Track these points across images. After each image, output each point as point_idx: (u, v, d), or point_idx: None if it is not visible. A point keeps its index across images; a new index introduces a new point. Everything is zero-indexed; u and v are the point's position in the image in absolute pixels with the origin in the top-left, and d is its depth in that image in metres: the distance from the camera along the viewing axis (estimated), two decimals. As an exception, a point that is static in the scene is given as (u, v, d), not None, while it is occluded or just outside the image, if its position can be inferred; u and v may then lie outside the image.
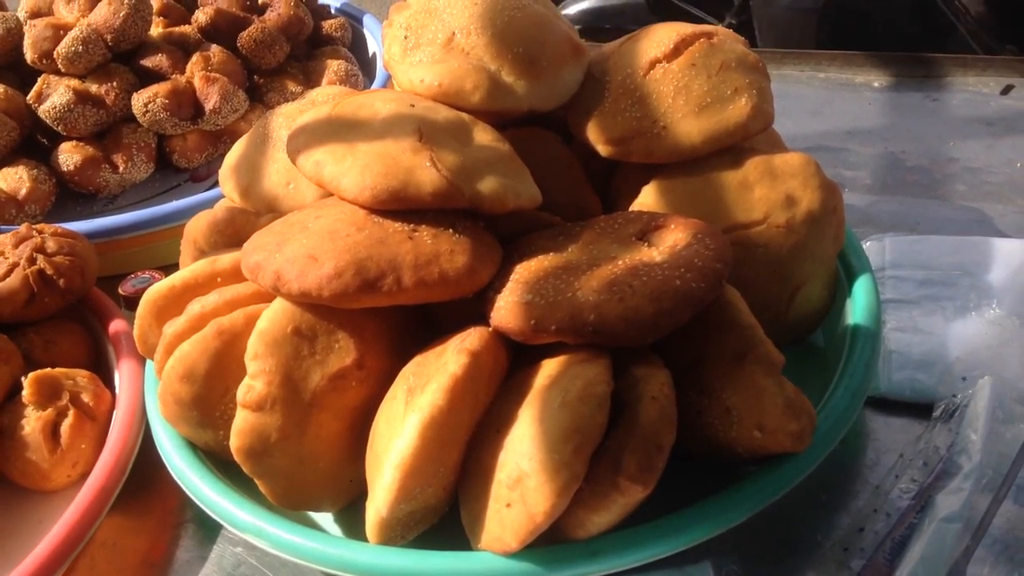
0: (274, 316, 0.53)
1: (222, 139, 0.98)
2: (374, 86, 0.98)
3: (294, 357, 0.53)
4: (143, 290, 0.76)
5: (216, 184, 0.96)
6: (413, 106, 0.61)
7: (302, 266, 0.52)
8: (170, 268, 0.83)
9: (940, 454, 0.57)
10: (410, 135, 0.57)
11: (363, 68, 1.08)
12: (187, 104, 0.94)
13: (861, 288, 0.64)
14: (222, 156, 0.99)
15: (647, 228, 0.58)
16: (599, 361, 0.50)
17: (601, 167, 0.69)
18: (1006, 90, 0.94)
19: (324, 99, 0.68)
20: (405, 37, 0.65)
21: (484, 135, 0.61)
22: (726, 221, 0.63)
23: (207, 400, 0.55)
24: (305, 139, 0.59)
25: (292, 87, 1.00)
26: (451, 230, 0.55)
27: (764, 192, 0.63)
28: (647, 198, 0.65)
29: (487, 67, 0.63)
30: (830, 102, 0.96)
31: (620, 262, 0.54)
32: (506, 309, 0.53)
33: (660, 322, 0.50)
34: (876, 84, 0.98)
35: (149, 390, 0.63)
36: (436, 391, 0.49)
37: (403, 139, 0.57)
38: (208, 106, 0.94)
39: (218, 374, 0.55)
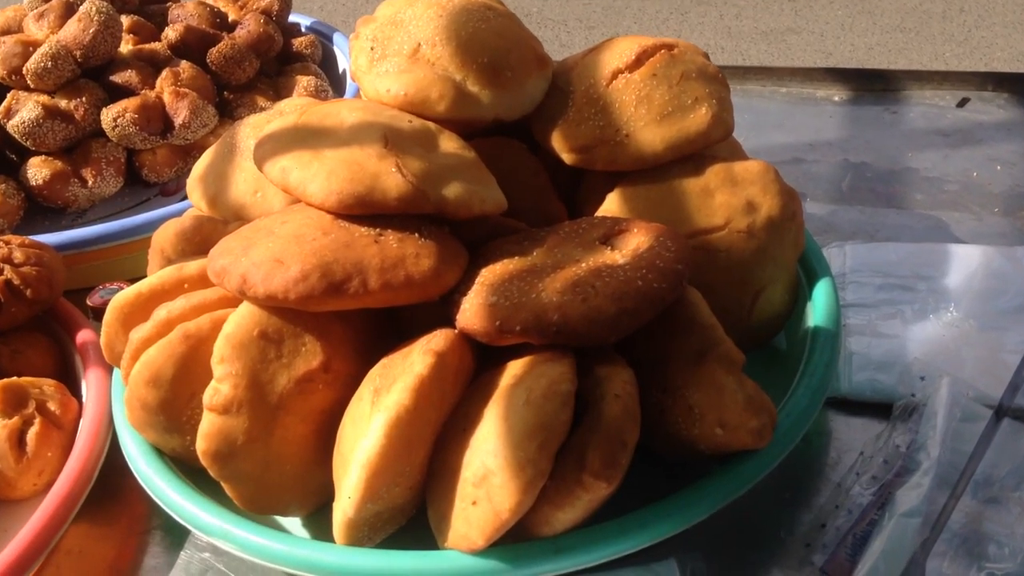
0: (240, 320, 0.54)
1: (192, 154, 0.98)
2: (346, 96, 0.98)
3: (260, 360, 0.53)
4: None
5: (185, 197, 0.96)
6: (379, 114, 0.61)
7: (268, 269, 0.52)
8: (139, 280, 0.83)
9: (900, 452, 0.58)
10: (376, 142, 0.58)
11: (333, 85, 1.08)
12: (156, 119, 0.94)
13: (821, 292, 0.65)
14: (191, 170, 0.99)
15: (610, 232, 0.58)
16: (563, 360, 0.51)
17: (567, 175, 0.70)
18: (962, 103, 0.97)
19: (291, 109, 0.68)
20: (372, 48, 0.66)
21: (450, 143, 0.62)
22: (688, 227, 0.64)
23: (173, 405, 0.55)
24: (271, 146, 0.59)
25: (262, 102, 1.00)
26: (416, 234, 0.56)
27: (725, 198, 0.64)
28: (611, 205, 0.66)
29: (452, 77, 0.64)
30: (792, 116, 0.98)
31: (584, 264, 0.55)
32: (471, 311, 0.53)
33: (622, 322, 0.51)
34: (836, 98, 1.00)
35: (116, 398, 0.62)
36: (402, 391, 0.49)
37: (369, 146, 0.57)
38: (178, 121, 0.94)
39: (184, 379, 0.55)
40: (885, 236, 0.80)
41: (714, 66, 0.70)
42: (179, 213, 0.82)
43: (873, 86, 1.00)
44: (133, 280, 0.82)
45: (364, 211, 0.55)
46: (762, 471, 0.53)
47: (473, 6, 0.67)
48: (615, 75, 0.67)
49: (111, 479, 0.62)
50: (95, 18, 0.94)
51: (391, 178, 0.55)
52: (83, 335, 0.70)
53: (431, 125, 0.63)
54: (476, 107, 0.64)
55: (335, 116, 0.61)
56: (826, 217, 0.82)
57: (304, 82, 1.02)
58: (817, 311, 0.64)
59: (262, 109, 0.99)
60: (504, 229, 0.62)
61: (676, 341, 0.54)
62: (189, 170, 0.98)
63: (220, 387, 0.52)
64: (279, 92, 1.03)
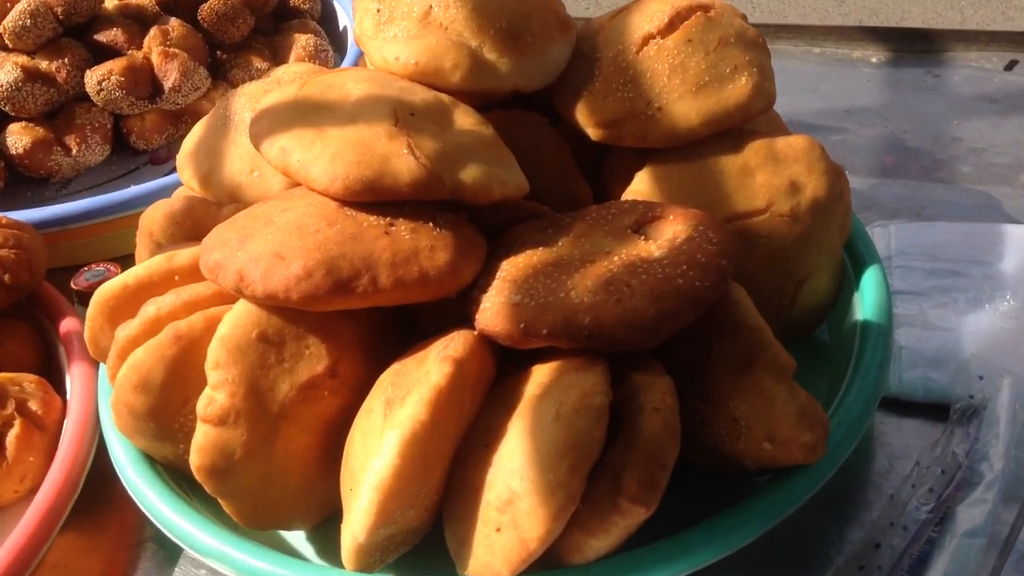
0: (237, 320, 0.49)
1: (183, 119, 0.93)
2: (345, 62, 0.93)
3: (260, 365, 0.48)
4: (98, 284, 0.72)
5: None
6: (388, 86, 0.56)
7: (267, 265, 0.48)
8: (127, 259, 0.78)
9: (959, 461, 0.53)
10: (385, 119, 0.53)
11: (333, 43, 1.03)
12: (144, 82, 0.89)
13: (870, 281, 0.61)
14: (183, 137, 0.93)
15: (643, 219, 0.54)
16: (596, 369, 0.46)
17: (590, 151, 0.65)
18: (1010, 65, 0.91)
19: (290, 78, 0.63)
20: (378, 10, 0.61)
21: (465, 118, 0.57)
22: (726, 210, 0.59)
23: (164, 411, 0.51)
24: (269, 123, 0.54)
25: (257, 63, 0.95)
26: (431, 224, 0.51)
27: (766, 178, 0.60)
28: (641, 185, 0.61)
29: (467, 43, 0.59)
30: (826, 79, 0.92)
31: (616, 258, 0.50)
32: (493, 311, 0.49)
33: (662, 325, 0.46)
34: (874, 59, 0.94)
35: (103, 397, 0.58)
36: (418, 403, 0.44)
37: (377, 123, 0.52)
38: (167, 84, 0.89)
39: (176, 383, 0.50)
40: (931, 214, 0.75)
41: (753, 29, 0.65)
42: (170, 187, 0.77)
43: (913, 46, 0.95)
44: (121, 259, 0.79)
45: (373, 198, 0.50)
46: (812, 488, 0.49)
47: (490, -36, 0.61)
48: (646, 40, 0.62)
49: (99, 484, 0.58)
50: (77, -29, 0.88)
51: (402, 161, 0.50)
52: (67, 323, 0.65)
53: (444, 98, 0.57)
54: (494, 77, 0.59)
55: (339, 88, 0.55)
56: (867, 192, 0.77)
57: (303, 41, 0.96)
58: (866, 303, 0.60)
59: (258, 70, 0.94)
60: (525, 213, 0.58)
61: (719, 345, 0.49)
62: (180, 136, 0.94)
63: (215, 395, 0.48)
64: (276, 52, 0.98)
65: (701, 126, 0.60)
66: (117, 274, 0.72)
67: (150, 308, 0.52)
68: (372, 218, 0.50)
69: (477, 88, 0.59)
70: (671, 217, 0.53)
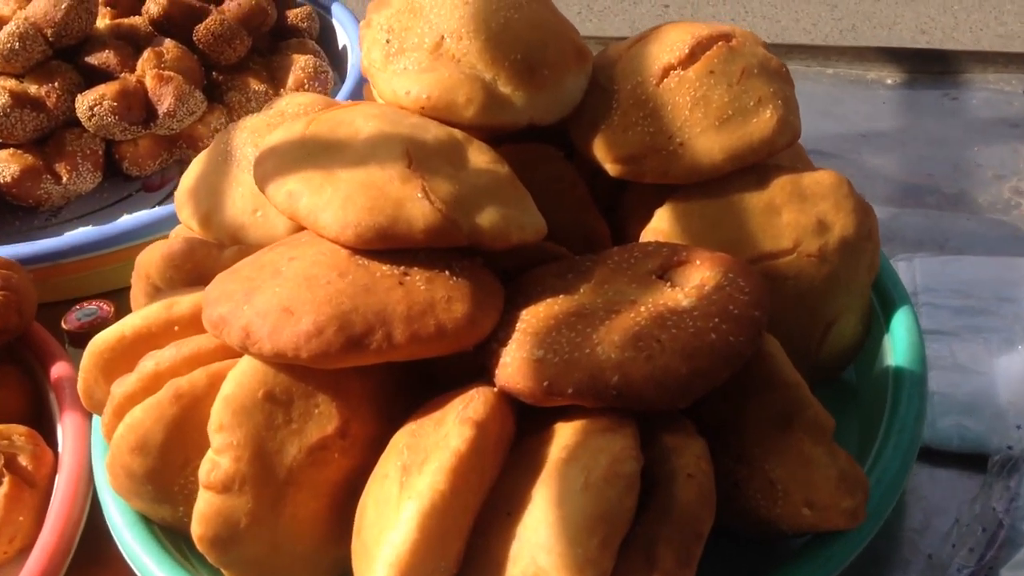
0: (242, 378, 0.46)
1: (177, 144, 0.90)
2: (346, 84, 0.90)
3: (266, 427, 0.46)
4: (89, 324, 0.69)
5: (172, 193, 0.89)
6: (399, 124, 0.53)
7: (275, 321, 0.45)
8: (120, 294, 0.75)
9: (999, 518, 0.51)
10: (398, 160, 0.50)
11: (333, 63, 1.00)
12: (138, 106, 0.86)
13: (901, 323, 0.58)
14: (178, 163, 0.92)
15: (668, 264, 0.51)
16: (625, 431, 0.44)
17: (606, 185, 0.62)
18: (1030, 88, 0.89)
19: (295, 110, 0.60)
20: (387, 41, 0.58)
21: (480, 156, 0.54)
22: (752, 250, 0.57)
23: (164, 474, 0.48)
24: (275, 163, 0.51)
25: (255, 85, 0.92)
26: (447, 272, 0.48)
27: (793, 216, 0.57)
28: (661, 223, 0.58)
29: (481, 76, 0.56)
30: (840, 101, 0.90)
31: (642, 308, 0.47)
32: (514, 367, 0.46)
33: (695, 384, 0.44)
34: (889, 81, 0.92)
35: (97, 453, 0.55)
36: (437, 471, 0.42)
37: (390, 165, 0.50)
38: (162, 108, 0.86)
39: (177, 444, 0.48)
40: (956, 246, 0.73)
41: (776, 59, 0.63)
42: (168, 218, 0.75)
43: (930, 68, 0.93)
44: (114, 294, 0.76)
45: (386, 246, 0.48)
46: (852, 552, 0.46)
47: (502, -9, 0.59)
48: (666, 72, 0.59)
49: (93, 544, 0.55)
50: (67, -10, 0.85)
51: (417, 206, 0.48)
52: (58, 368, 0.63)
53: (457, 134, 0.55)
54: (509, 111, 0.57)
55: (348, 126, 0.53)
56: (887, 222, 0.75)
57: (302, 62, 0.94)
58: (898, 347, 0.57)
59: (255, 93, 0.92)
60: (543, 255, 0.55)
61: (753, 402, 0.47)
62: (175, 162, 0.91)
63: (219, 460, 0.45)
64: (273, 74, 0.95)
65: (725, 162, 0.58)
66: (110, 313, 0.71)
67: (148, 363, 0.49)
68: (385, 267, 0.48)
69: (492, 123, 0.56)
70: (698, 262, 0.51)
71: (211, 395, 0.47)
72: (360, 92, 0.89)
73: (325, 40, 1.03)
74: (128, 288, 0.63)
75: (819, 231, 0.57)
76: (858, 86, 0.92)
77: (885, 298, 0.61)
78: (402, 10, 0.59)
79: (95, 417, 0.57)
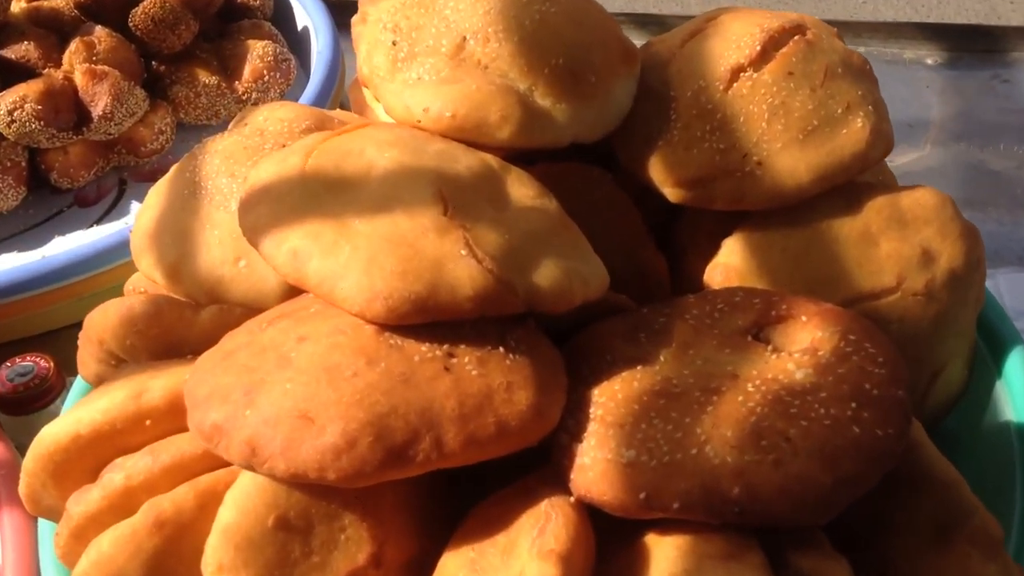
0: (246, 501, 0.37)
1: (115, 150, 0.79)
2: (314, 78, 0.79)
3: (280, 564, 0.37)
4: (24, 386, 0.59)
5: (112, 209, 0.78)
6: (421, 152, 0.43)
7: (290, 431, 0.35)
8: (60, 338, 0.65)
9: None
10: (429, 203, 0.40)
11: (292, 46, 0.89)
12: (67, 109, 0.74)
13: (1018, 371, 0.50)
14: (116, 171, 0.80)
15: (763, 319, 0.43)
16: (750, 559, 0.35)
17: (655, 208, 0.53)
18: (1089, 68, 0.82)
19: (276, 128, 0.50)
20: (394, 43, 0.48)
21: (522, 189, 0.45)
22: (848, 289, 0.49)
23: (145, 624, 0.38)
24: (269, 210, 0.41)
25: (205, 78, 0.81)
26: (501, 348, 0.39)
27: (893, 246, 0.49)
28: (732, 257, 0.50)
29: (515, 87, 0.47)
30: (879, 85, 0.81)
31: (749, 386, 0.39)
32: (597, 472, 0.37)
33: (839, 496, 0.36)
34: (929, 61, 0.84)
35: (46, 565, 0.45)
36: (518, 630, 0.33)
37: (420, 211, 0.40)
38: (96, 111, 0.75)
39: (161, 587, 0.38)
40: (1040, 258, 0.65)
41: (857, 53, 0.54)
42: (116, 248, 0.64)
43: (973, 46, 0.85)
44: (51, 338, 0.65)
45: (425, 319, 0.38)
46: None
47: (535, -19, 0.49)
48: (735, 74, 0.51)
49: None
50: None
51: (461, 267, 0.38)
52: (-9, 453, 0.52)
53: (491, 160, 0.46)
54: (551, 130, 0.47)
55: (358, 157, 0.43)
56: (954, 230, 0.67)
57: (259, 49, 0.83)
58: (1017, 400, 0.49)
59: (206, 87, 0.81)
60: (602, 308, 0.46)
61: (901, 505, 0.39)
62: (111, 170, 0.80)
63: (223, 616, 0.35)
64: (225, 63, 0.84)
65: (812, 183, 0.49)
66: (49, 370, 0.60)
67: (116, 476, 0.39)
68: (424, 347, 0.38)
69: (530, 145, 0.47)
70: (803, 318, 0.42)
71: (202, 520, 0.38)
72: (330, 89, 0.78)
73: (281, 21, 0.92)
74: (69, 328, 0.52)
75: (924, 263, 0.49)
76: (896, 67, 0.84)
77: (991, 335, 0.53)
78: (409, 3, 0.49)
79: (42, 524, 0.47)
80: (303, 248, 0.39)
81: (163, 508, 0.38)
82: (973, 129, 0.77)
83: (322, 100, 0.76)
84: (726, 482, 0.36)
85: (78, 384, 0.51)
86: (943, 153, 0.75)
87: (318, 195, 0.41)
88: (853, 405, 0.37)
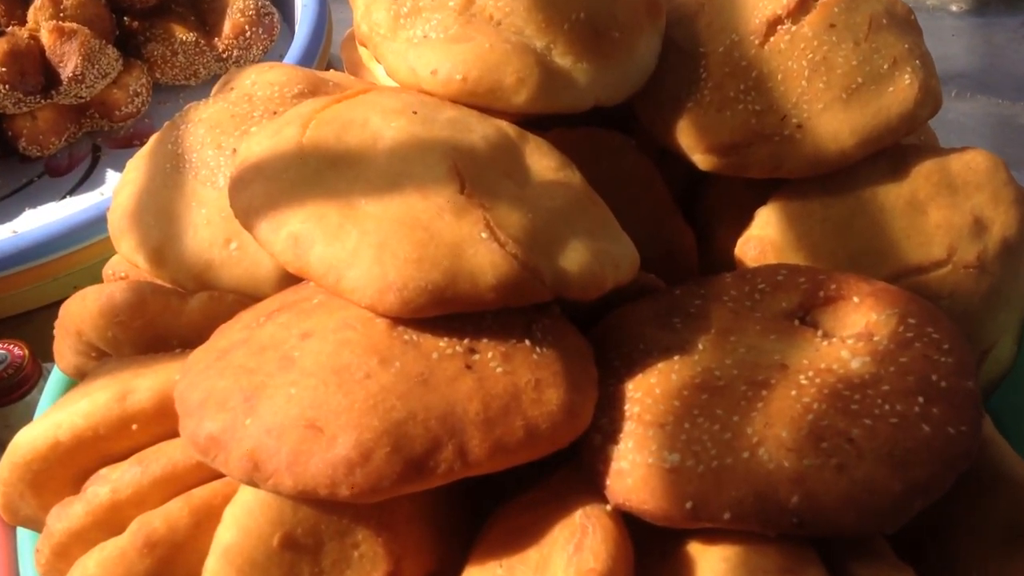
0: (247, 519, 0.34)
1: (87, 114, 0.75)
2: (299, 36, 0.75)
3: (289, 587, 0.33)
4: (-2, 377, 0.55)
5: (86, 179, 0.74)
6: (431, 120, 0.40)
7: (297, 443, 0.32)
8: (32, 324, 0.62)
9: None
10: (443, 180, 0.37)
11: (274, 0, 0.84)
12: (33, 70, 0.70)
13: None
14: (89, 137, 0.76)
15: (810, 301, 0.40)
16: (810, 573, 0.32)
17: (678, 175, 0.50)
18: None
19: (266, 93, 0.46)
20: (395, -2, 0.44)
21: (542, 161, 0.41)
22: (895, 263, 0.46)
23: (139, 652, 0.35)
24: (264, 189, 0.37)
25: (181, 34, 0.77)
26: (527, 340, 0.36)
27: (943, 214, 0.46)
28: (767, 229, 0.47)
29: (531, 45, 0.43)
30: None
31: (801, 377, 0.36)
32: (637, 478, 0.35)
33: (910, 503, 0.33)
34: (954, 8, 0.80)
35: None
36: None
37: (434, 188, 0.36)
38: (65, 72, 0.70)
39: (155, 613, 0.34)
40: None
41: (902, 2, 0.50)
42: (95, 222, 0.60)
43: (1001, -10, 0.81)
44: (25, 318, 0.62)
45: (443, 311, 0.35)
46: None
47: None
48: (772, 27, 0.47)
49: None
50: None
51: (482, 251, 0.35)
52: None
53: (507, 128, 0.42)
54: (571, 93, 0.44)
55: (362, 128, 0.39)
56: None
57: (239, 3, 0.78)
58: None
59: (183, 44, 0.76)
60: (630, 290, 0.42)
61: (968, 505, 0.36)
62: (84, 136, 0.76)
63: (226, 648, 0.32)
64: (203, 17, 0.80)
65: (856, 147, 0.46)
66: (23, 358, 0.56)
67: (101, 490, 0.36)
68: (443, 342, 0.35)
69: (549, 110, 0.43)
70: (854, 298, 0.39)
71: (197, 539, 0.35)
72: (317, 46, 0.74)
73: (261, -29, 0.87)
74: (44, 310, 0.49)
75: (976, 233, 0.46)
76: (917, 14, 0.79)
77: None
78: (411, -49, 0.45)
79: (21, 534, 0.43)
80: (305, 232, 0.35)
81: (154, 526, 0.35)
82: (1003, 81, 0.74)
83: (309, 58, 0.72)
84: (783, 490, 0.33)
85: (56, 375, 0.48)
86: (971, 107, 0.72)
87: (319, 172, 0.37)
88: (920, 400, 0.34)
